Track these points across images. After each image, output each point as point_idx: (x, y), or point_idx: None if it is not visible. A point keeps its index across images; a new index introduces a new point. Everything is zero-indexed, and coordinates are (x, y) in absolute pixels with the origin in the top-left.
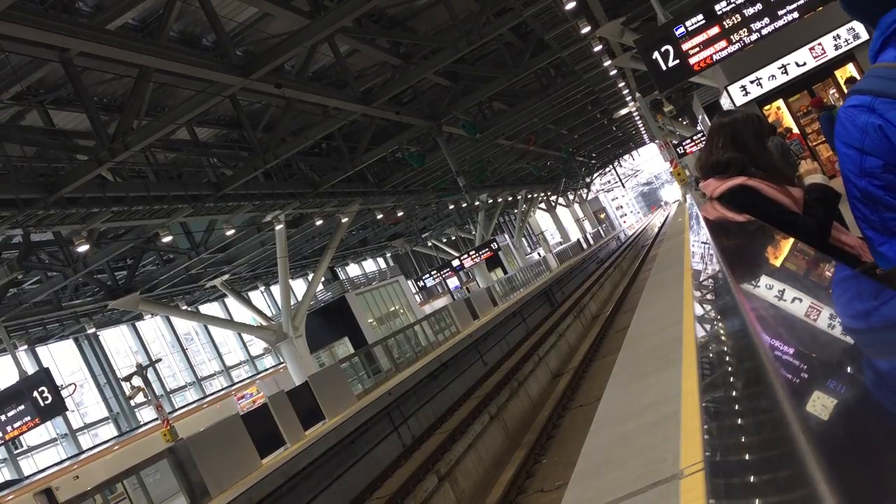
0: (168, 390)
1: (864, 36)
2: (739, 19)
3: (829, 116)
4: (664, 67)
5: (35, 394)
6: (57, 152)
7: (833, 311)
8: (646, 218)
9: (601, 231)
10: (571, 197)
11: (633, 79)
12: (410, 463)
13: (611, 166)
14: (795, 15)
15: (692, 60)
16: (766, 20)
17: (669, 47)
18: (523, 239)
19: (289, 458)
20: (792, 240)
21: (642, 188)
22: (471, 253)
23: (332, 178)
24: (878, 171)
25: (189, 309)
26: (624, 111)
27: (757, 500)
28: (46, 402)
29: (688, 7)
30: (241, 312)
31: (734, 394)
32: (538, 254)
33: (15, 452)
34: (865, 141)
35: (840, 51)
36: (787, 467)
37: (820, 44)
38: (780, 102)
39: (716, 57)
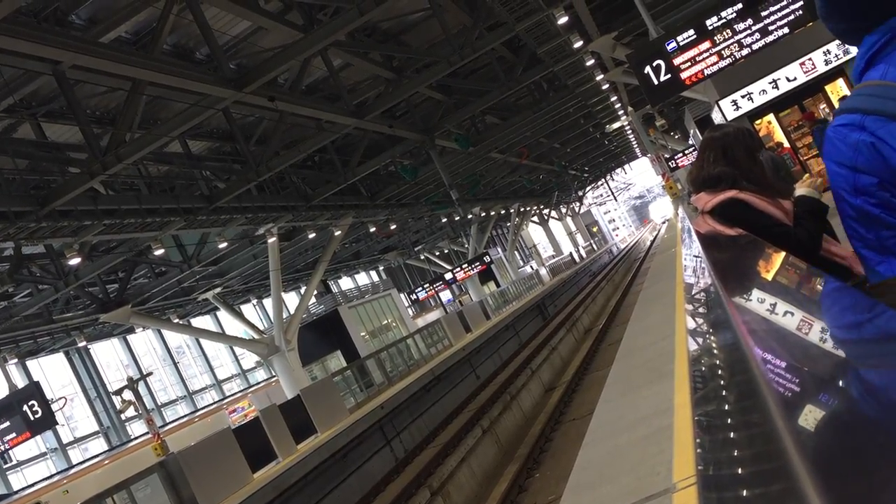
0: (159, 404)
1: (854, 51)
2: (730, 34)
3: (822, 129)
4: (656, 82)
5: (25, 407)
6: (49, 165)
7: (824, 322)
8: (638, 231)
9: (593, 244)
10: (564, 210)
11: (626, 93)
12: (403, 477)
13: (603, 180)
14: (786, 30)
15: (684, 75)
16: (757, 35)
17: (661, 62)
18: (516, 252)
19: (281, 472)
20: (783, 253)
21: (634, 202)
22: (463, 266)
23: (325, 191)
24: (873, 189)
25: (181, 322)
26: (616, 125)
27: None
28: (36, 416)
29: (679, 22)
30: (233, 326)
31: (727, 407)
32: (531, 267)
33: (4, 467)
34: (858, 159)
35: (830, 66)
36: (779, 481)
37: (810, 59)
38: (770, 117)
39: (707, 72)
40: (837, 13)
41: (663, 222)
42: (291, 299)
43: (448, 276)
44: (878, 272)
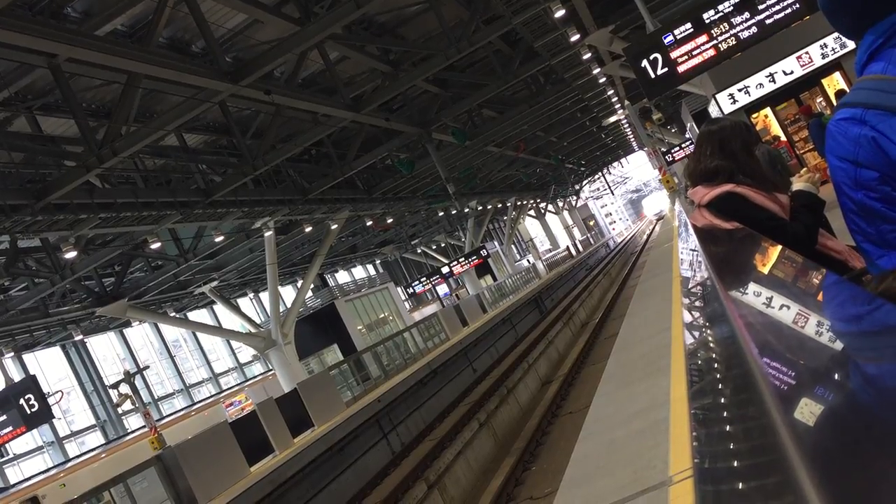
0: (156, 398)
1: (851, 45)
2: (727, 28)
3: (818, 123)
4: (653, 75)
5: (21, 401)
6: (45, 158)
7: (823, 315)
8: (634, 225)
9: (590, 238)
10: (561, 204)
11: (622, 87)
12: (399, 470)
13: (600, 173)
14: (783, 23)
15: (681, 68)
16: (754, 29)
17: (658, 55)
18: (513, 246)
19: (277, 465)
20: (779, 246)
21: (631, 195)
22: (460, 260)
23: (322, 184)
24: (874, 184)
25: (177, 316)
26: (613, 119)
27: None
28: (33, 410)
29: (676, 16)
30: (229, 319)
31: (723, 400)
32: (527, 261)
33: (1, 460)
34: (859, 153)
35: (827, 59)
36: (776, 474)
37: (807, 52)
38: (767, 111)
39: (704, 65)
40: (842, 8)
41: (658, 219)
42: (288, 293)
43: (445, 269)
44: (879, 265)
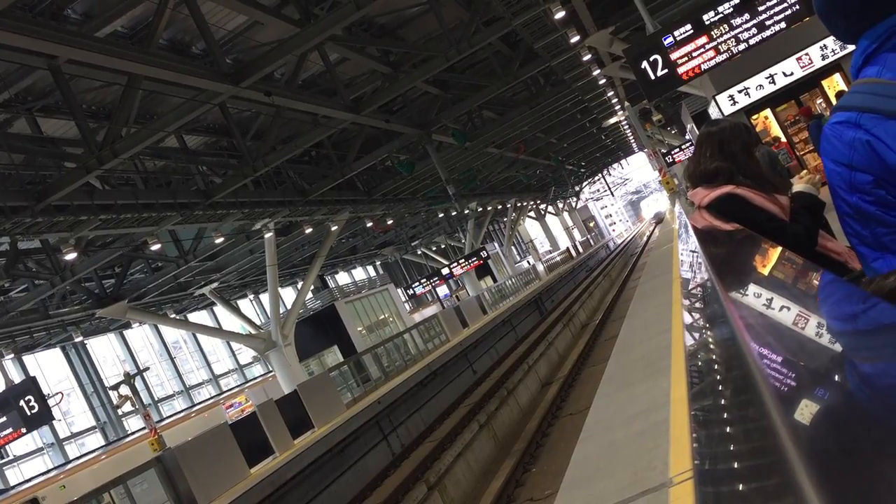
0: (156, 399)
1: (851, 46)
2: (727, 29)
3: (818, 124)
4: (653, 77)
5: (21, 403)
6: (45, 160)
7: (820, 315)
8: (634, 226)
9: (590, 239)
10: (561, 205)
11: (622, 88)
12: (399, 472)
13: (600, 175)
14: (783, 25)
15: (680, 70)
16: (754, 30)
17: (658, 57)
18: (513, 247)
19: (277, 467)
20: (779, 248)
21: (631, 197)
22: (460, 261)
23: (322, 186)
24: (869, 187)
25: (177, 317)
26: (613, 120)
27: None
28: (33, 411)
29: (676, 17)
30: (229, 321)
31: (723, 402)
32: (527, 262)
33: (1, 462)
34: (854, 157)
35: (827, 61)
36: (776, 475)
37: (807, 54)
38: (767, 112)
39: (704, 66)
40: (837, 11)
41: (656, 222)
42: (288, 294)
43: (445, 271)
44: (875, 269)
